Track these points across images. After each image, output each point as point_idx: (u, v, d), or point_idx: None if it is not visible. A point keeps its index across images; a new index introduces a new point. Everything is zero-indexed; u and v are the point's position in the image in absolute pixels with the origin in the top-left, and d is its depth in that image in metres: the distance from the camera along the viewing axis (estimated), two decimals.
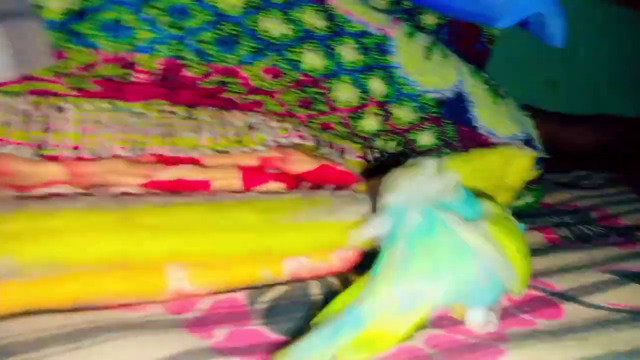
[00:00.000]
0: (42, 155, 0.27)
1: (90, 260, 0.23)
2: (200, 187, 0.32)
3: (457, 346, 0.25)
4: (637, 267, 0.36)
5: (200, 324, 0.24)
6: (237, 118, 0.34)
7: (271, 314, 0.25)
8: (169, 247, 0.25)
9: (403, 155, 0.40)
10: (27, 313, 0.23)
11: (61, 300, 0.24)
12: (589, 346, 0.25)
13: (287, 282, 0.28)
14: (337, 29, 0.34)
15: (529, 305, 0.30)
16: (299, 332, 0.24)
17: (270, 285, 0.28)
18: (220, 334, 0.23)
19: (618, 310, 0.29)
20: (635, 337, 0.26)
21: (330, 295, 0.27)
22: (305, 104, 0.34)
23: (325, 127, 0.37)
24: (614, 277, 0.33)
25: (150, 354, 0.21)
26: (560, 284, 0.33)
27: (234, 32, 0.30)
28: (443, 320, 0.27)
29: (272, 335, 0.24)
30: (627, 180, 0.65)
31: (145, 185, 0.30)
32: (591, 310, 0.29)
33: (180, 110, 0.32)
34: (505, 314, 0.28)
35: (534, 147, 0.44)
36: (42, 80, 0.27)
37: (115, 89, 0.29)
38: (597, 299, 0.31)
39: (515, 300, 0.30)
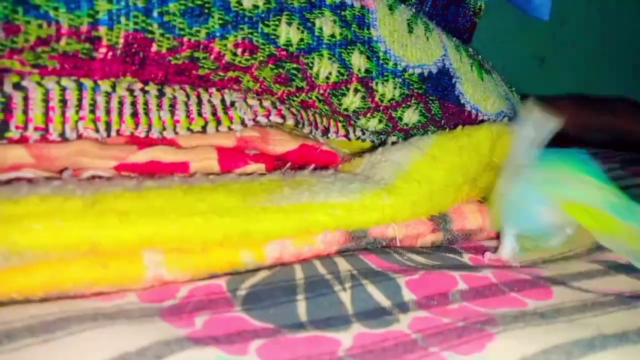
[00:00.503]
0: (4, 138, 0.25)
1: (56, 247, 0.22)
2: (177, 169, 0.30)
3: (444, 330, 0.24)
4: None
5: (177, 312, 0.23)
6: (214, 96, 0.33)
7: (253, 300, 0.24)
8: (141, 233, 0.24)
9: (387, 133, 0.39)
10: None
11: (30, 290, 0.23)
12: (579, 329, 0.25)
13: (270, 267, 0.27)
14: (314, 0, 0.32)
15: (518, 284, 0.29)
16: (282, 317, 0.23)
17: (252, 271, 0.27)
18: (197, 323, 0.22)
19: (605, 295, 0.29)
20: (624, 320, 0.26)
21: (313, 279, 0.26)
22: (283, 81, 0.33)
23: (306, 105, 0.36)
24: (601, 268, 0.33)
25: (125, 344, 0.20)
26: (548, 271, 0.32)
27: (204, 3, 0.28)
28: (430, 300, 0.26)
29: (254, 322, 0.23)
30: (614, 156, 0.64)
31: (117, 168, 0.29)
32: (580, 293, 0.29)
33: (152, 89, 0.30)
34: (495, 291, 0.28)
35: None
36: None
37: (78, 66, 0.27)
38: (584, 284, 0.30)
39: (504, 278, 0.29)
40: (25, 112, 0.26)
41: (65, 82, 0.27)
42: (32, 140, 0.26)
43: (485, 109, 0.40)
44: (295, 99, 0.35)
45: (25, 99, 0.26)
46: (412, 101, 0.37)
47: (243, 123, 0.33)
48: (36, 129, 0.26)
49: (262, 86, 0.33)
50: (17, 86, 0.26)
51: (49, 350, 0.20)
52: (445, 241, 0.35)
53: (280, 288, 0.25)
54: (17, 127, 0.26)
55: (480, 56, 0.43)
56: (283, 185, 0.30)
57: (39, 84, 0.27)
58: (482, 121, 0.40)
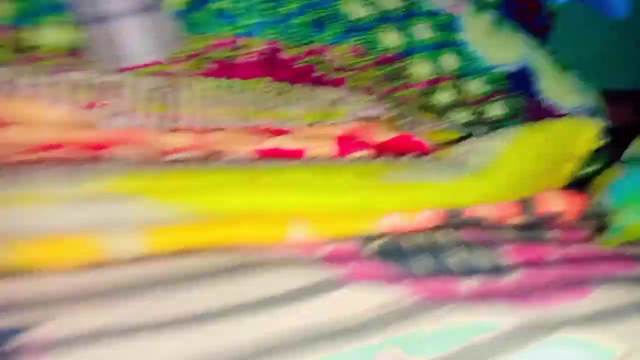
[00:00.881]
0: (173, 127, 0.31)
1: (229, 210, 0.27)
2: (300, 155, 0.35)
3: (545, 285, 0.27)
4: None
5: (330, 260, 0.27)
6: (327, 93, 0.38)
7: (386, 255, 0.28)
8: (287, 203, 0.29)
9: (474, 125, 0.43)
10: (185, 251, 0.26)
11: (207, 242, 0.27)
12: None
13: (384, 235, 0.32)
14: (412, 9, 0.37)
15: (606, 257, 0.32)
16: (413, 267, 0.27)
17: (371, 238, 0.31)
18: (350, 266, 0.26)
19: None
20: None
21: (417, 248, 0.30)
22: (385, 80, 0.38)
23: (403, 100, 0.40)
24: None
25: (292, 282, 0.24)
26: (630, 250, 0.35)
27: (323, 16, 0.34)
28: (529, 265, 0.30)
29: (394, 268, 0.27)
30: None
31: (252, 152, 0.34)
32: None
33: (280, 87, 0.36)
34: (585, 261, 0.31)
35: (599, 118, 0.46)
36: (169, 63, 0.32)
37: (226, 70, 0.33)
38: None
39: (592, 253, 0.33)
40: (188, 106, 0.32)
41: (216, 82, 0.33)
42: (192, 129, 0.32)
43: (564, 104, 0.44)
44: (394, 95, 0.39)
45: (189, 96, 0.32)
46: (497, 97, 0.41)
47: (351, 116, 0.38)
48: (195, 120, 0.32)
49: (368, 84, 0.38)
50: (183, 85, 0.32)
51: (240, 285, 0.24)
52: (530, 223, 0.39)
53: (403, 248, 0.29)
54: (183, 118, 0.32)
55: (556, 54, 0.47)
56: (388, 168, 0.34)
57: (198, 84, 0.33)
58: (562, 115, 0.43)
